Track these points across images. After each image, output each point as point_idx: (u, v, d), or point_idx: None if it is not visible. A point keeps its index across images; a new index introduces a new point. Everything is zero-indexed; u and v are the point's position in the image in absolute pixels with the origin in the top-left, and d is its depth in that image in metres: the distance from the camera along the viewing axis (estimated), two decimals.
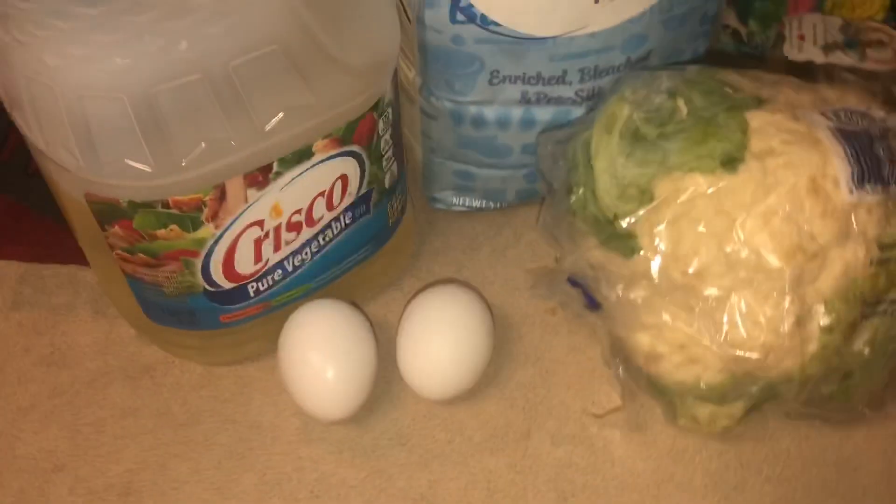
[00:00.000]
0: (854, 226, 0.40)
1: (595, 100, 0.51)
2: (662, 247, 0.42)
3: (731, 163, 0.41)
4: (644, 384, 0.46)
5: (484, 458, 0.49)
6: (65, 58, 0.36)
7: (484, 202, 0.59)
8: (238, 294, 0.47)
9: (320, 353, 0.48)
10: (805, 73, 0.67)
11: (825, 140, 0.41)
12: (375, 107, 0.45)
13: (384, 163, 0.49)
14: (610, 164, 0.44)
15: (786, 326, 0.40)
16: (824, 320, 0.41)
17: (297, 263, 0.48)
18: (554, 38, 0.48)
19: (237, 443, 0.49)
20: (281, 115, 0.40)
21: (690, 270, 0.41)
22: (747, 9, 0.68)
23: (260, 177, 0.43)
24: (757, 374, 0.42)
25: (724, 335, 0.41)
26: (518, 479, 0.48)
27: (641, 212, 0.42)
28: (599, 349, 0.50)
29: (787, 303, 0.40)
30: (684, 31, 0.51)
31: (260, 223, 0.45)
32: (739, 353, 0.41)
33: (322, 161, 0.44)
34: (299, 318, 0.48)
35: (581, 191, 0.45)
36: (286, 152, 0.42)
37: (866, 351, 0.42)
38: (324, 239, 0.48)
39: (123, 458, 0.49)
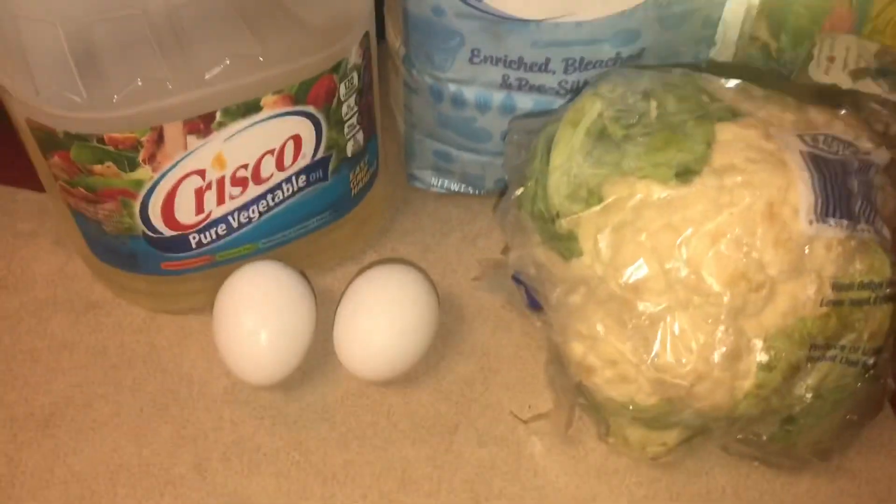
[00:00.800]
0: (809, 261, 0.37)
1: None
2: (603, 253, 0.39)
3: (686, 174, 0.38)
4: (578, 396, 0.44)
5: (405, 446, 0.47)
6: None
7: (463, 186, 0.57)
8: (179, 243, 0.46)
9: (253, 316, 0.47)
10: (828, 97, 0.64)
11: (792, 163, 0.38)
12: (336, 69, 0.44)
13: (346, 129, 0.47)
14: (567, 160, 0.41)
15: (717, 356, 0.37)
16: (763, 357, 0.38)
17: (242, 220, 0.47)
18: (537, 21, 0.45)
19: (163, 392, 0.49)
20: (224, 64, 0.39)
21: (627, 282, 0.38)
22: (781, 22, 0.64)
23: (201, 125, 0.41)
24: (688, 403, 0.39)
25: (652, 356, 0.38)
26: (435, 473, 0.46)
27: (584, 213, 0.40)
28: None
29: (721, 331, 0.37)
30: (683, 32, 0.48)
31: (201, 172, 0.43)
32: (666, 377, 0.38)
33: (271, 117, 0.43)
34: (237, 277, 0.47)
35: (532, 184, 0.42)
36: (230, 103, 0.41)
37: (809, 396, 0.39)
38: (273, 199, 0.47)
39: (51, 390, 0.49)
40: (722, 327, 0.37)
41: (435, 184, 0.58)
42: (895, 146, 0.61)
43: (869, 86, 0.60)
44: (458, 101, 0.51)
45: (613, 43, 0.47)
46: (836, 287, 0.37)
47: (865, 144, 0.41)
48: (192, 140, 0.42)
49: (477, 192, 0.57)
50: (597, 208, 0.39)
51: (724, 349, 0.37)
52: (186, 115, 0.41)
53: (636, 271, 0.38)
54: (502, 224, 0.44)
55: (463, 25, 0.46)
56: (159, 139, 0.41)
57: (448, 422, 0.48)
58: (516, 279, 0.45)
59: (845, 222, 0.37)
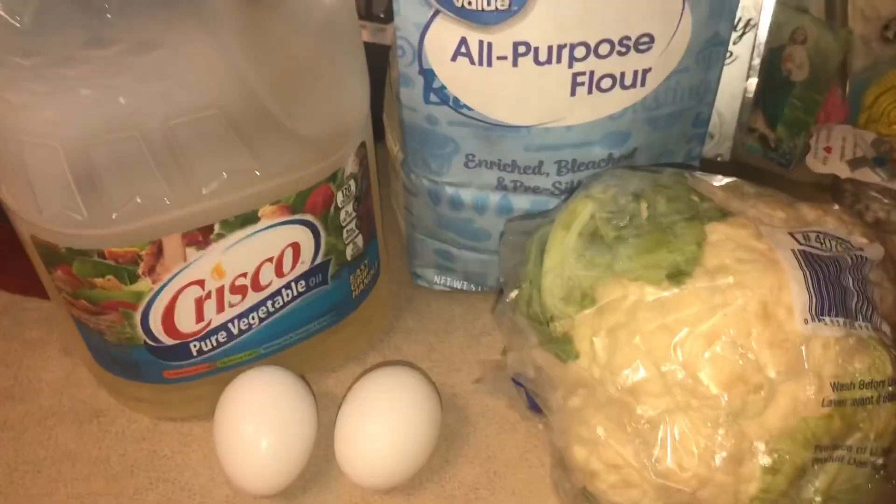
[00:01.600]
0: (807, 361, 0.37)
1: None
2: (599, 356, 0.39)
3: (678, 276, 0.38)
4: (583, 502, 0.43)
5: None
6: (3, 102, 0.36)
7: (465, 284, 0.58)
8: (180, 351, 0.47)
9: (254, 424, 0.46)
10: (828, 188, 0.64)
11: (784, 262, 0.38)
12: (332, 178, 0.45)
13: (344, 234, 0.48)
14: (560, 262, 0.41)
15: (719, 460, 0.37)
16: (766, 460, 0.37)
17: (242, 327, 0.47)
18: (528, 127, 0.46)
19: (165, 502, 0.48)
20: (219, 179, 0.40)
21: (625, 385, 0.38)
22: (776, 114, 0.65)
23: (200, 237, 0.42)
24: None
25: (653, 461, 0.37)
26: None
27: (577, 316, 0.40)
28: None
29: (721, 435, 0.36)
30: (674, 132, 0.49)
31: (200, 283, 0.44)
32: (668, 482, 0.37)
33: (269, 227, 0.44)
34: (237, 385, 0.47)
35: (526, 286, 0.43)
36: (228, 215, 0.42)
37: (818, 500, 0.38)
38: (273, 305, 0.47)
39: (52, 502, 0.48)
40: (722, 430, 0.36)
41: (438, 282, 0.58)
42: (892, 231, 0.61)
43: (867, 174, 0.61)
44: (455, 203, 0.51)
45: (604, 145, 0.47)
46: (837, 387, 0.37)
47: (859, 240, 0.40)
48: (191, 252, 0.42)
49: (479, 288, 0.58)
50: (591, 310, 0.39)
51: (724, 453, 0.36)
52: (185, 228, 0.41)
53: (633, 374, 0.38)
54: (500, 326, 0.44)
55: (456, 132, 0.48)
56: (158, 252, 0.42)
57: None
58: (516, 381, 0.44)
59: (842, 320, 0.37)
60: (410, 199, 0.54)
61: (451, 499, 0.48)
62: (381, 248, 0.54)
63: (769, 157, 0.67)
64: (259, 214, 0.43)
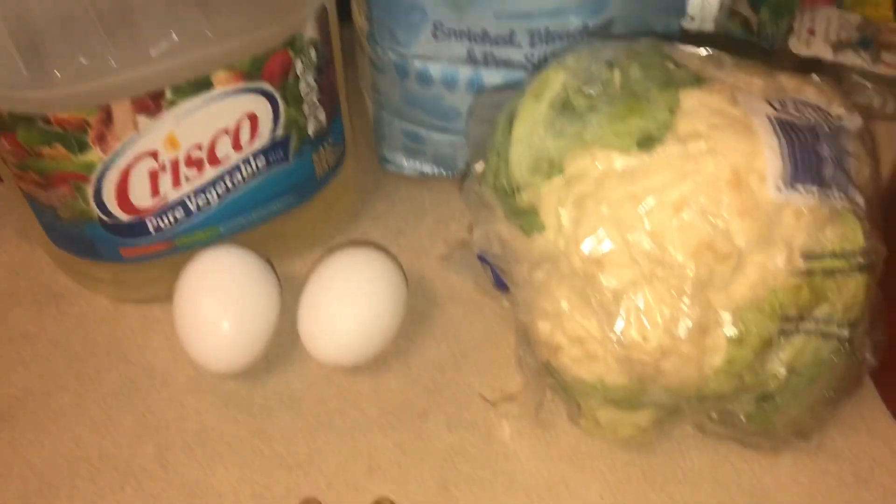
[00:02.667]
0: (778, 230, 0.36)
1: None
2: (565, 227, 0.38)
3: (648, 142, 0.37)
4: (546, 376, 0.42)
5: (372, 433, 0.45)
6: None
7: (435, 169, 0.56)
8: (137, 228, 0.45)
9: (214, 303, 0.45)
10: (810, 70, 0.62)
11: (759, 128, 0.36)
12: (290, 43, 0.42)
13: (305, 108, 0.46)
14: (529, 132, 0.40)
15: (682, 330, 0.36)
16: (732, 331, 0.36)
17: (200, 203, 0.46)
18: None
19: (126, 382, 0.48)
20: (169, 39, 0.38)
21: (590, 256, 0.37)
22: None
23: (151, 103, 0.40)
24: (657, 381, 0.38)
25: (616, 332, 0.37)
26: (403, 460, 0.45)
27: (544, 186, 0.38)
28: None
29: (686, 305, 0.36)
30: (653, 2, 0.47)
31: (154, 154, 0.42)
32: (632, 353, 0.37)
33: (224, 95, 0.42)
34: (197, 263, 0.46)
35: (494, 158, 0.41)
36: (180, 80, 0.40)
37: (783, 371, 0.38)
38: (232, 181, 0.46)
39: (11, 381, 0.48)
40: (687, 300, 0.36)
41: (407, 166, 0.56)
42: (877, 118, 0.59)
43: (851, 57, 0.59)
44: (424, 79, 0.49)
45: (579, 14, 0.45)
46: (807, 256, 0.36)
47: (837, 110, 0.39)
48: (143, 120, 0.40)
49: (450, 174, 0.56)
50: (558, 180, 0.38)
51: (689, 323, 0.36)
52: (134, 93, 0.39)
53: (598, 244, 0.37)
54: (466, 201, 0.43)
55: None
56: (107, 119, 0.40)
57: (417, 407, 0.46)
58: (482, 258, 0.43)
59: (815, 189, 0.36)
60: (377, 76, 0.51)
61: (417, 377, 0.48)
62: (347, 128, 0.52)
63: (751, 41, 0.65)
64: (213, 80, 0.41)
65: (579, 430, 0.44)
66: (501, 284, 0.43)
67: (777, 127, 0.36)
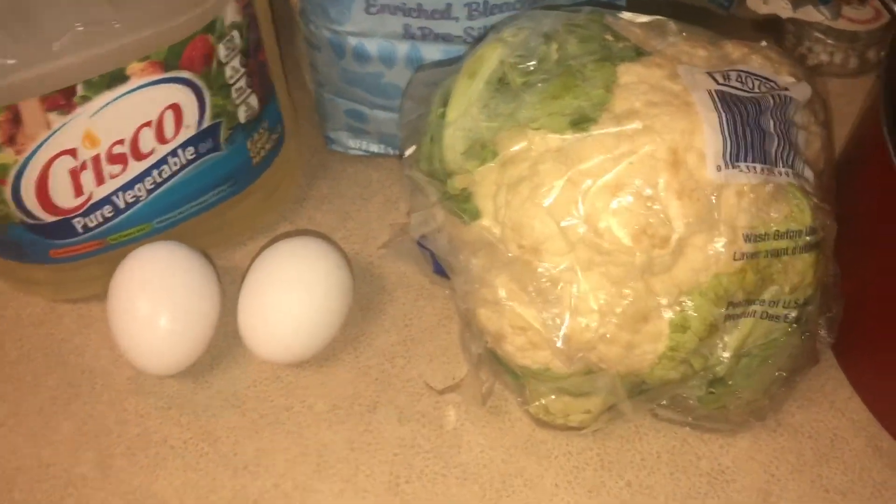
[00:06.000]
0: (719, 211, 0.34)
1: None
2: (501, 213, 0.36)
3: (583, 122, 0.35)
4: (494, 364, 0.41)
5: (321, 429, 0.44)
6: None
7: (382, 147, 0.54)
8: (63, 228, 0.43)
9: (149, 302, 0.43)
10: (769, 28, 0.60)
11: (699, 104, 0.34)
12: (210, 28, 0.40)
13: (233, 94, 0.43)
14: (463, 113, 0.38)
15: (620, 318, 0.34)
16: (673, 317, 0.35)
17: (129, 200, 0.43)
18: None
19: (64, 387, 0.46)
20: (72, 32, 0.35)
21: (525, 243, 0.35)
22: None
23: (62, 100, 0.38)
24: (602, 368, 0.37)
25: (553, 320, 0.35)
26: (352, 456, 0.43)
27: (477, 171, 0.36)
28: None
29: (624, 292, 0.34)
30: None
31: (72, 152, 0.40)
32: (567, 342, 0.35)
33: (141, 87, 0.39)
34: (129, 262, 0.44)
35: (428, 142, 0.39)
36: (91, 74, 0.37)
37: (727, 356, 0.36)
38: (160, 175, 0.43)
39: None
40: (626, 287, 0.34)
41: (352, 146, 0.54)
42: (839, 75, 0.58)
43: (810, 13, 0.57)
44: (360, 56, 0.47)
45: None
46: (750, 238, 0.34)
47: (785, 79, 0.37)
48: (54, 117, 0.38)
49: (397, 152, 0.54)
50: (492, 164, 0.36)
51: (626, 309, 0.34)
52: (41, 90, 0.37)
53: (533, 231, 0.35)
54: (406, 186, 0.41)
55: None
56: (15, 119, 0.37)
57: (367, 400, 0.45)
58: (421, 245, 0.42)
59: (759, 166, 0.34)
60: (314, 54, 0.49)
61: (367, 369, 0.46)
62: (286, 110, 0.50)
63: (706, 1, 0.62)
64: (127, 73, 0.38)
65: (530, 418, 0.43)
66: (441, 271, 0.42)
67: (718, 102, 0.35)
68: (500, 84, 0.38)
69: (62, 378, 0.46)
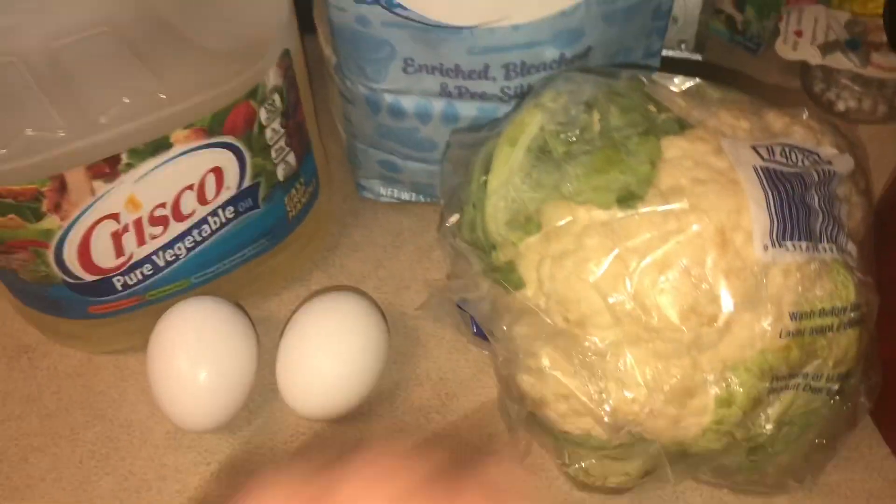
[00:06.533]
0: (766, 290, 0.34)
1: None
2: (545, 285, 0.36)
3: (629, 199, 0.35)
4: (532, 426, 0.41)
5: None
6: None
7: (413, 195, 0.54)
8: (104, 287, 0.43)
9: (188, 359, 0.44)
10: (797, 74, 0.60)
11: (745, 182, 0.34)
12: (252, 94, 0.40)
13: (273, 154, 0.44)
14: (505, 182, 0.38)
15: (666, 393, 0.34)
16: (721, 392, 0.35)
17: (169, 258, 0.44)
18: (470, 28, 0.42)
19: (103, 441, 0.46)
20: (118, 105, 0.36)
21: (572, 317, 0.35)
22: None
23: (107, 168, 0.38)
24: (645, 439, 0.37)
25: (600, 393, 0.35)
26: None
27: (522, 243, 0.36)
28: None
29: (671, 367, 0.34)
30: (632, 27, 0.44)
31: (115, 216, 0.40)
32: (613, 416, 0.35)
33: (184, 153, 0.39)
34: (168, 318, 0.44)
35: (470, 209, 0.39)
36: (136, 144, 0.38)
37: (769, 427, 0.36)
38: (200, 234, 0.44)
39: None
40: (673, 363, 0.34)
41: (384, 193, 0.54)
42: (868, 122, 0.57)
43: (839, 60, 0.57)
44: (396, 112, 0.47)
45: (555, 44, 0.43)
46: (796, 317, 0.34)
47: (828, 151, 0.37)
48: (99, 185, 0.38)
49: (429, 199, 0.54)
50: (536, 237, 0.36)
51: (674, 386, 0.34)
52: (88, 160, 0.37)
53: (580, 305, 0.35)
54: (442, 249, 0.41)
55: (392, 34, 0.43)
56: (62, 188, 0.38)
57: None
58: (460, 307, 0.42)
59: (804, 244, 0.34)
60: (348, 107, 0.49)
61: (403, 424, 0.46)
62: (320, 161, 0.50)
63: (736, 40, 0.62)
64: (171, 140, 0.39)
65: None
66: (481, 334, 0.42)
67: (764, 179, 0.35)
68: (542, 152, 0.38)
69: (101, 432, 0.46)
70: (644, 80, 0.39)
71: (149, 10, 0.35)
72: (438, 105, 0.46)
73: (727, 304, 0.34)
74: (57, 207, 0.38)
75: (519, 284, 0.37)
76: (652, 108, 0.38)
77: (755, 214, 0.34)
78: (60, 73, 0.34)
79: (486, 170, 0.39)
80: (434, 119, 0.47)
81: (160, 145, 0.38)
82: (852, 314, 0.35)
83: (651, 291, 0.34)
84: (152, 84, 0.36)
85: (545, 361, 0.37)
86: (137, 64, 0.35)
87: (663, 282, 0.34)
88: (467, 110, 0.46)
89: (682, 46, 0.60)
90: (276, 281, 0.51)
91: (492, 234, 0.38)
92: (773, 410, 0.36)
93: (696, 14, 0.60)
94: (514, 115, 0.40)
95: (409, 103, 0.47)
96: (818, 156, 0.37)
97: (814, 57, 0.57)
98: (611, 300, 0.34)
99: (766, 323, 0.34)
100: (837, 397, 0.36)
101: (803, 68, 0.59)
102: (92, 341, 0.48)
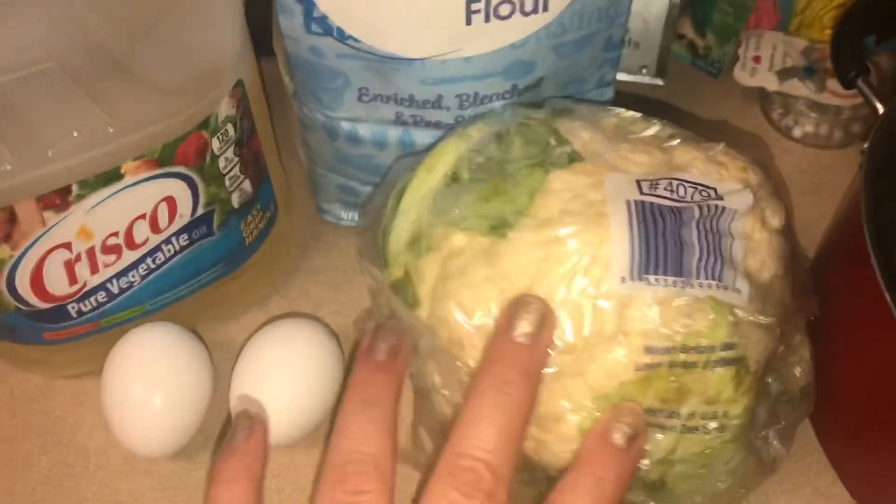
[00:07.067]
0: (622, 322, 0.34)
1: None
2: (434, 305, 0.37)
3: (501, 227, 0.36)
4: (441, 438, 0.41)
5: None
6: None
7: None
8: (58, 314, 0.44)
9: (142, 385, 0.44)
10: (757, 98, 0.61)
11: (612, 215, 0.35)
12: (205, 125, 0.40)
13: (227, 182, 0.44)
14: (414, 206, 0.39)
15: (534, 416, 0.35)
16: (582, 420, 0.35)
17: (123, 286, 0.44)
18: (422, 59, 0.42)
19: (58, 467, 0.46)
20: (67, 139, 0.36)
21: (451, 336, 0.36)
22: (705, 19, 0.61)
23: (57, 199, 0.38)
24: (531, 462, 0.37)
25: None
26: None
27: (419, 261, 0.38)
28: None
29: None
30: (583, 58, 0.45)
31: (67, 245, 0.40)
32: None
33: (136, 183, 0.40)
34: (121, 346, 0.44)
35: (380, 230, 0.40)
36: (86, 175, 0.38)
37: (645, 462, 0.36)
38: (154, 262, 0.44)
39: None
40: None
41: (345, 217, 0.55)
42: (825, 147, 0.58)
43: (796, 87, 0.58)
44: (353, 139, 0.48)
45: (506, 76, 0.44)
46: (652, 350, 0.34)
47: (727, 186, 0.37)
48: (50, 215, 0.39)
49: None
50: (432, 256, 0.37)
51: (539, 410, 0.35)
52: (38, 192, 0.37)
53: (455, 327, 0.36)
54: (363, 267, 0.42)
55: (345, 66, 0.43)
56: (11, 219, 0.38)
57: None
58: None
59: (671, 279, 0.34)
60: (306, 133, 0.50)
61: None
62: (280, 185, 0.50)
63: (697, 65, 0.63)
64: (122, 171, 0.39)
65: None
66: None
67: (634, 213, 0.35)
68: (453, 180, 0.39)
69: (56, 458, 0.47)
70: (559, 112, 0.40)
71: (96, 44, 0.35)
72: (395, 133, 0.47)
73: (583, 333, 0.34)
74: (7, 238, 0.39)
75: (416, 303, 0.38)
76: (553, 140, 0.38)
77: (617, 247, 0.34)
78: (7, 108, 0.34)
79: (400, 197, 0.40)
80: (391, 146, 0.48)
81: (111, 177, 0.39)
82: (723, 353, 0.35)
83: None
84: (101, 118, 0.36)
85: (437, 378, 0.38)
86: (85, 98, 0.35)
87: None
88: (423, 138, 0.47)
89: (644, 71, 0.61)
90: (234, 305, 0.51)
91: (390, 254, 0.39)
92: (652, 447, 0.36)
93: (658, 40, 0.60)
94: (438, 144, 0.41)
95: (365, 131, 0.47)
96: (714, 191, 0.37)
97: (771, 83, 0.58)
98: (475, 322, 0.35)
99: (621, 354, 0.34)
100: (723, 436, 0.36)
101: (762, 93, 0.60)
102: (50, 366, 0.48)
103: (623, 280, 0.34)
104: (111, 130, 0.37)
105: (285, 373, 0.44)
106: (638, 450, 0.34)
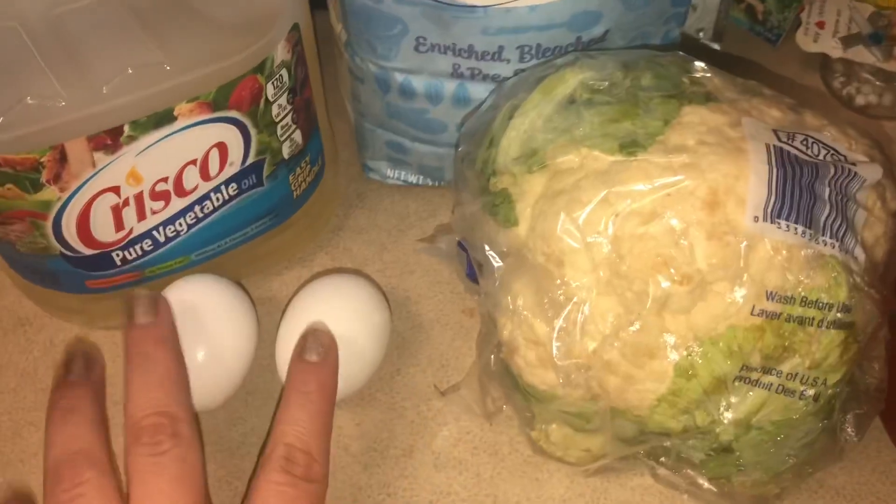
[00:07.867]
0: (747, 261, 0.33)
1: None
2: (534, 221, 0.36)
3: (631, 147, 0.34)
4: (506, 379, 0.40)
5: (355, 472, 0.44)
6: None
7: (421, 178, 0.53)
8: (102, 261, 0.43)
9: (186, 336, 0.43)
10: (817, 67, 0.59)
11: (752, 153, 0.33)
12: (260, 68, 0.39)
13: (279, 131, 0.43)
14: (529, 122, 0.38)
15: (624, 346, 0.34)
16: (682, 360, 0.34)
17: (169, 234, 0.43)
18: (485, 7, 0.41)
19: None
20: (122, 75, 0.34)
21: (552, 252, 0.35)
22: None
23: (108, 140, 0.37)
24: (600, 397, 0.36)
25: (556, 333, 0.35)
26: (388, 501, 0.43)
27: (523, 177, 0.36)
28: None
29: (634, 321, 0.33)
30: (651, 11, 0.43)
31: (115, 189, 0.39)
32: (565, 358, 0.35)
33: (188, 126, 0.39)
34: (168, 295, 0.43)
35: (487, 144, 0.39)
36: (139, 115, 0.37)
37: (727, 417, 0.35)
38: (202, 211, 0.43)
39: None
40: (637, 317, 0.33)
41: (391, 175, 0.53)
42: (889, 118, 0.56)
43: (861, 54, 0.56)
44: (406, 92, 0.46)
45: (572, 27, 0.42)
46: (773, 297, 0.33)
47: (856, 156, 0.36)
48: (100, 157, 0.37)
49: (436, 183, 0.53)
50: (537, 173, 0.36)
51: (631, 338, 0.33)
52: (89, 131, 0.36)
53: (560, 241, 0.35)
54: (452, 189, 0.41)
55: (404, 12, 0.42)
56: (62, 158, 0.37)
57: (403, 443, 0.44)
58: (461, 246, 0.41)
59: (801, 229, 0.33)
60: (357, 85, 0.48)
61: (402, 410, 0.46)
62: (326, 140, 0.49)
63: (756, 31, 0.61)
64: (175, 113, 0.38)
65: (571, 470, 0.43)
66: (473, 276, 0.41)
67: (773, 155, 0.34)
68: (569, 103, 0.38)
69: None
70: (690, 60, 0.39)
71: None
72: (450, 86, 0.45)
73: (703, 266, 0.33)
74: (56, 178, 0.37)
75: (514, 221, 0.37)
76: (686, 80, 0.37)
77: (753, 184, 0.33)
78: (62, 41, 0.33)
79: (513, 111, 0.39)
80: (445, 100, 0.46)
81: (163, 118, 0.37)
82: (839, 315, 0.33)
83: (629, 239, 0.33)
84: (157, 55, 0.35)
85: (520, 300, 0.36)
86: (142, 33, 0.34)
87: (643, 231, 0.33)
88: (479, 93, 0.45)
89: (700, 34, 0.59)
90: (278, 261, 0.50)
91: (498, 165, 0.38)
92: (740, 403, 0.35)
93: (716, 2, 0.58)
94: (557, 69, 0.40)
95: (419, 83, 0.46)
96: (844, 157, 0.35)
97: (835, 50, 0.56)
98: (589, 239, 0.34)
99: (739, 295, 0.33)
100: (813, 404, 0.35)
101: (823, 61, 0.58)
102: (89, 316, 0.47)
103: (756, 219, 0.33)
104: (167, 68, 0.35)
105: (334, 328, 0.43)
106: (332, 361, 0.40)
